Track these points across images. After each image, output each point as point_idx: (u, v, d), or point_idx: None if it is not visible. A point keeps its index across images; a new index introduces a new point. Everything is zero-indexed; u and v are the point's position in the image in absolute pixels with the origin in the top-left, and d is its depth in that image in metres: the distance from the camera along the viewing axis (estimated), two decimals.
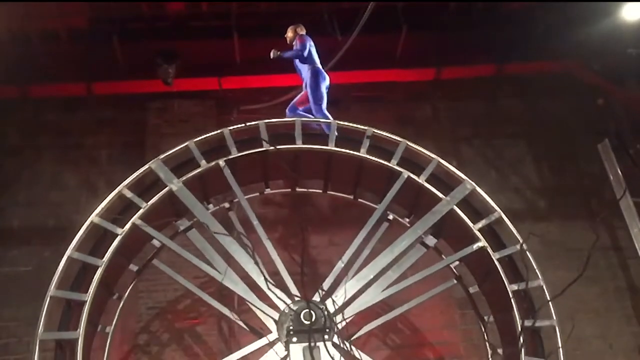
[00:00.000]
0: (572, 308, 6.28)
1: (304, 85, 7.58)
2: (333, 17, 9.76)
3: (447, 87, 11.04)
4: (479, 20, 10.58)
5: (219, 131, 6.58)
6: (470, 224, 6.22)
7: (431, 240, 6.68)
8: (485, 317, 6.81)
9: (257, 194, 7.41)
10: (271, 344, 6.00)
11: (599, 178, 10.23)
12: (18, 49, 9.87)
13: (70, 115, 10.71)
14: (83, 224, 5.95)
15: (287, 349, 5.67)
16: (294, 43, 7.64)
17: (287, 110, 7.53)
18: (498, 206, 6.38)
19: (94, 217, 6.01)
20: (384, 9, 8.94)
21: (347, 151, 6.54)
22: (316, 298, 6.01)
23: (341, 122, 6.60)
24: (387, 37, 10.48)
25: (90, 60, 10.22)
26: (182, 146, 6.42)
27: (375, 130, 6.51)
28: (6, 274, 9.34)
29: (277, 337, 5.93)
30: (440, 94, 11.17)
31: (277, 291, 6.02)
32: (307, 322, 5.59)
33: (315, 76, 7.39)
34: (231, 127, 6.63)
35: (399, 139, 6.51)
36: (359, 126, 6.61)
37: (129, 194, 6.18)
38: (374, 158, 6.49)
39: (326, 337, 5.63)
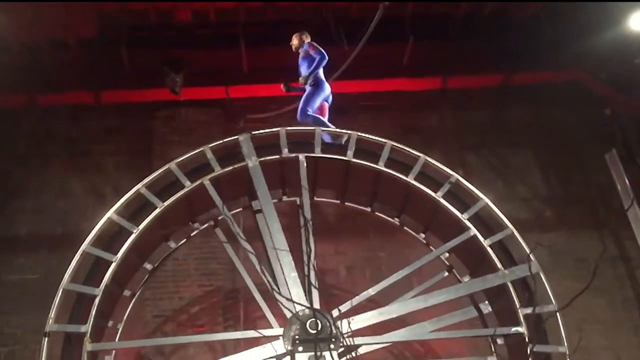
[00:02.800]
0: (579, 319, 6.24)
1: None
2: (340, 26, 9.77)
3: (454, 96, 11.04)
4: (486, 29, 10.57)
5: (234, 137, 6.56)
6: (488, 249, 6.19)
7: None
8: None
9: (276, 200, 7.38)
10: (277, 354, 5.97)
11: (606, 188, 10.20)
12: (27, 57, 9.98)
13: (78, 124, 10.78)
14: (90, 232, 5.94)
15: (292, 358, 5.65)
16: (305, 51, 7.58)
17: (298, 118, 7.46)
18: (504, 215, 6.35)
19: (111, 213, 6.02)
20: (391, 19, 8.93)
21: (366, 163, 6.48)
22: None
23: (361, 134, 6.57)
24: (394, 46, 10.50)
25: (98, 68, 10.28)
26: (197, 150, 6.42)
27: (394, 144, 6.46)
28: (13, 282, 9.39)
29: (283, 346, 5.90)
30: (446, 103, 11.16)
31: (283, 300, 5.99)
32: (313, 332, 5.57)
33: (317, 85, 7.34)
34: (254, 132, 6.59)
35: (417, 153, 6.47)
36: (379, 139, 6.57)
37: (147, 193, 6.19)
38: (392, 172, 6.45)
39: (332, 346, 5.60)
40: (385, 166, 6.43)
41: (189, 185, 6.26)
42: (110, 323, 6.47)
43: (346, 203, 7.10)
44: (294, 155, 6.45)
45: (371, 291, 6.15)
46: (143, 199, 6.20)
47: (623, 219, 9.70)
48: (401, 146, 6.49)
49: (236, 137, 6.49)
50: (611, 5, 9.55)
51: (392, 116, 10.89)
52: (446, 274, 6.91)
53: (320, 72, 7.45)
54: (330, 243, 9.35)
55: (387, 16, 8.19)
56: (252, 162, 6.33)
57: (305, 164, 6.40)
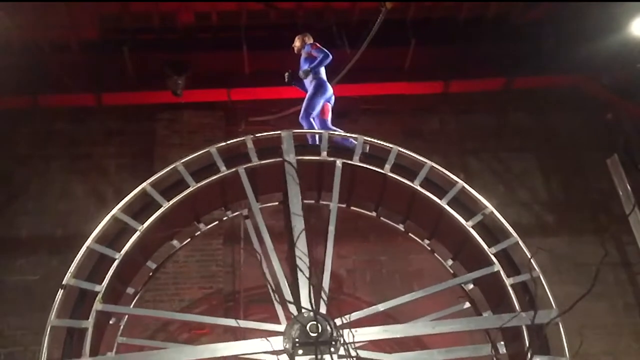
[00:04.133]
0: (580, 324, 6.20)
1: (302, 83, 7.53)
2: (342, 29, 9.79)
3: (456, 100, 11.04)
4: (488, 33, 10.58)
5: (242, 139, 6.54)
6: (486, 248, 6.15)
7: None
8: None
9: (277, 203, 7.38)
10: (277, 356, 5.96)
11: (608, 193, 10.20)
12: (29, 59, 9.99)
13: (79, 126, 10.80)
14: (91, 233, 5.93)
15: None
16: (307, 52, 7.56)
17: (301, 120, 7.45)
18: (506, 219, 6.33)
19: (116, 211, 6.01)
20: (393, 22, 8.95)
21: (373, 168, 6.45)
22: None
23: (368, 139, 6.55)
24: (396, 50, 10.51)
25: (100, 71, 10.32)
26: (204, 151, 6.41)
27: (401, 149, 6.44)
28: (14, 283, 9.39)
29: (284, 349, 5.88)
30: (448, 107, 11.17)
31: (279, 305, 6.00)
32: (313, 335, 5.55)
33: (318, 86, 7.30)
34: (257, 135, 6.55)
35: (423, 159, 6.45)
36: (386, 144, 6.54)
37: (152, 192, 6.18)
38: (398, 177, 6.41)
39: (332, 349, 5.58)
40: (390, 171, 6.41)
41: (224, 171, 6.26)
42: (112, 320, 6.47)
43: (351, 207, 7.07)
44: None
45: (380, 307, 6.10)
46: (147, 198, 6.18)
47: (624, 225, 9.69)
48: (407, 152, 6.46)
49: (278, 132, 6.49)
50: (614, 10, 9.55)
51: (394, 120, 10.91)
52: (467, 305, 6.79)
53: (323, 73, 7.43)
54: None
55: (389, 20, 8.18)
56: (290, 159, 6.32)
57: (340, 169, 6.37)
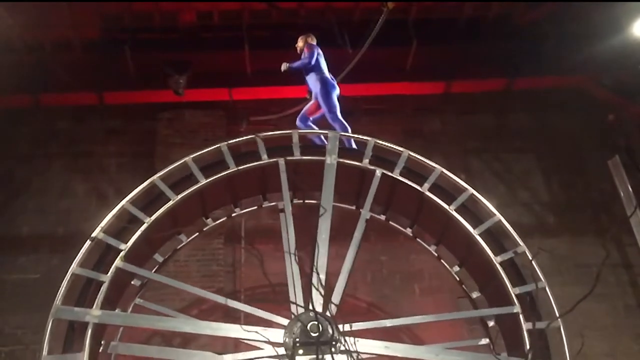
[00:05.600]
0: (581, 325, 6.20)
1: (313, 95, 7.52)
2: (343, 29, 9.78)
3: (457, 100, 11.03)
4: (490, 34, 10.58)
5: (250, 136, 6.55)
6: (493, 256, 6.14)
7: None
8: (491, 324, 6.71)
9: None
10: (278, 356, 5.96)
11: (609, 194, 10.19)
12: (31, 58, 10.01)
13: (81, 124, 10.81)
14: (92, 232, 5.93)
15: None
16: (302, 53, 7.64)
17: (297, 121, 7.47)
18: (506, 220, 6.31)
19: (125, 202, 6.01)
20: (394, 22, 8.95)
21: (383, 171, 6.39)
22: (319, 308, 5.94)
23: (379, 142, 6.54)
24: (398, 50, 10.52)
25: (101, 70, 10.31)
26: (286, 131, 6.48)
27: (411, 153, 6.41)
28: (14, 281, 9.40)
29: (284, 349, 5.88)
30: (449, 107, 11.16)
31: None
32: (314, 335, 5.55)
33: (325, 85, 7.32)
34: (300, 131, 6.67)
35: (434, 164, 6.43)
36: (395, 147, 6.52)
37: (161, 185, 6.18)
38: (408, 181, 6.39)
39: (333, 349, 5.58)
40: (400, 175, 6.39)
41: (265, 159, 6.31)
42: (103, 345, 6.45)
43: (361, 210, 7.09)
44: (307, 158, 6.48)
45: (387, 323, 6.10)
46: (153, 193, 6.21)
47: (625, 226, 9.67)
48: (418, 156, 6.45)
49: (326, 131, 6.61)
50: (615, 11, 9.54)
51: (395, 120, 10.91)
52: (484, 341, 6.63)
53: (325, 70, 7.46)
54: (332, 246, 9.23)
55: (391, 20, 8.19)
56: (331, 159, 6.33)
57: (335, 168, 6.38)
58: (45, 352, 5.40)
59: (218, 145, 6.38)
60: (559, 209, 10.52)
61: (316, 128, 7.29)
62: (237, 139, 6.58)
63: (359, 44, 8.30)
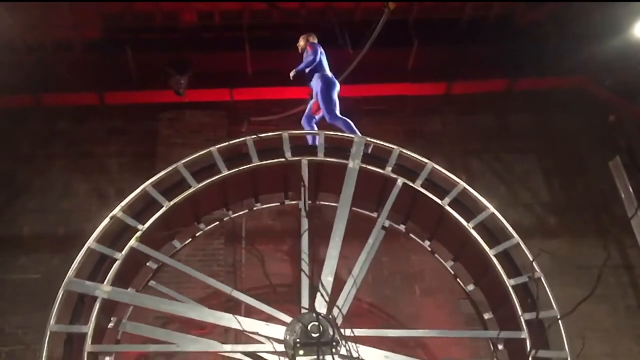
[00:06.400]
0: (581, 326, 6.21)
1: (313, 94, 7.53)
2: (345, 29, 9.78)
3: (458, 101, 11.02)
4: (491, 35, 10.58)
5: (315, 131, 6.72)
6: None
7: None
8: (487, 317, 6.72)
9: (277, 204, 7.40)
10: (278, 353, 5.97)
11: (610, 195, 10.18)
12: (31, 57, 10.01)
13: (82, 125, 10.81)
14: (93, 232, 5.93)
15: None
16: (305, 52, 7.65)
17: (303, 120, 7.45)
18: (507, 221, 6.31)
19: (117, 211, 5.99)
20: (395, 23, 8.95)
21: (375, 169, 6.41)
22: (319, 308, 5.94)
23: (370, 139, 6.54)
24: (399, 51, 10.52)
25: (102, 70, 10.32)
26: (203, 152, 6.44)
27: (435, 166, 6.37)
28: (15, 281, 9.39)
29: (284, 349, 5.88)
30: (450, 108, 11.15)
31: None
32: (315, 335, 5.55)
33: (326, 83, 7.34)
34: (327, 132, 6.66)
35: (425, 160, 6.44)
36: (388, 144, 6.52)
37: (183, 170, 6.23)
38: (399, 177, 6.37)
39: (334, 350, 5.58)
40: (392, 172, 6.40)
41: (289, 157, 6.35)
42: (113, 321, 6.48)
43: (353, 208, 7.09)
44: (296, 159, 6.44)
45: (390, 332, 6.12)
46: (147, 198, 6.19)
47: (626, 227, 9.67)
48: (408, 152, 6.45)
49: (351, 137, 6.57)
50: (617, 11, 9.54)
51: (396, 121, 10.90)
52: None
53: (327, 69, 7.46)
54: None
55: (392, 20, 8.19)
56: (354, 164, 6.33)
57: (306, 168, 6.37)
58: (53, 321, 5.49)
59: (319, 133, 6.54)
60: (560, 209, 10.50)
61: (316, 128, 7.28)
62: (298, 131, 6.75)
63: (360, 44, 8.31)
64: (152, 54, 10.25)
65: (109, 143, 10.71)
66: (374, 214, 6.97)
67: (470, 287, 6.76)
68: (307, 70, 7.49)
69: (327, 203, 7.01)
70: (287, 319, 5.76)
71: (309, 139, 7.08)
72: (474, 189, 6.34)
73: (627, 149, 10.25)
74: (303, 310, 5.77)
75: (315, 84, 7.42)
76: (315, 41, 7.72)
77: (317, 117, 7.44)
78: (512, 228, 6.18)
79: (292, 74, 7.37)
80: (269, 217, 9.77)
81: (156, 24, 10.29)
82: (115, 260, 5.81)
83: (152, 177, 6.19)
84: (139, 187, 6.12)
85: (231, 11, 10.28)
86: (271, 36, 10.43)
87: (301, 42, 7.83)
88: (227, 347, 6.08)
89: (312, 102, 7.54)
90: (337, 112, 7.22)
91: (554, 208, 10.55)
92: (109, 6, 9.91)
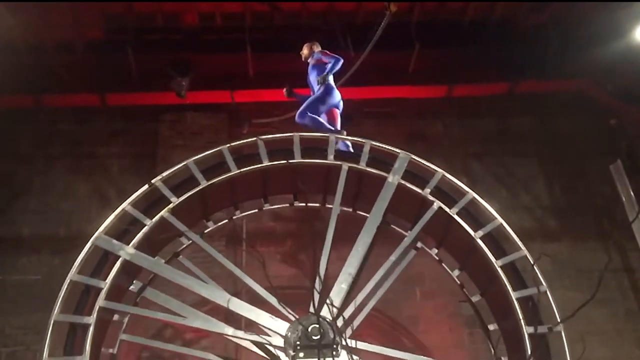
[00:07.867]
0: (582, 330, 6.18)
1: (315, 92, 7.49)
2: (346, 32, 9.78)
3: (459, 104, 11.03)
4: (493, 38, 10.59)
5: (361, 139, 6.64)
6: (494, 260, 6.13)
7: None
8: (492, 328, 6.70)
9: (287, 204, 7.42)
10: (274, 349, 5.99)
11: (611, 199, 10.17)
12: (33, 58, 10.02)
13: (83, 126, 10.80)
14: (93, 233, 5.93)
15: None
16: (316, 59, 7.50)
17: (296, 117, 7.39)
18: (508, 224, 6.29)
19: (126, 205, 6.05)
20: (397, 26, 8.94)
21: (380, 172, 6.42)
22: (325, 313, 5.94)
23: (375, 143, 6.52)
24: (400, 54, 10.53)
25: (104, 71, 10.33)
26: (214, 150, 6.47)
27: (475, 196, 6.32)
28: (15, 282, 9.38)
29: (285, 352, 5.88)
30: (452, 111, 11.15)
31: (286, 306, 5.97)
32: (315, 338, 5.54)
33: (325, 92, 7.27)
34: (374, 142, 6.60)
35: (434, 167, 6.42)
36: (393, 149, 6.51)
37: (194, 168, 6.30)
38: (408, 184, 6.38)
39: (334, 353, 5.58)
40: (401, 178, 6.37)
41: (331, 159, 6.45)
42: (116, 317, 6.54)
43: (357, 212, 7.07)
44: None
45: (390, 352, 6.13)
46: (154, 195, 6.26)
47: (627, 231, 9.65)
48: (418, 159, 6.43)
49: (398, 151, 6.53)
50: (618, 15, 9.56)
51: (397, 123, 10.89)
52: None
53: (331, 79, 7.42)
54: (333, 249, 9.30)
55: (393, 23, 8.18)
56: (393, 179, 6.33)
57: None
58: (57, 310, 5.55)
59: (219, 148, 6.44)
60: (561, 213, 10.49)
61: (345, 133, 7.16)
62: (238, 142, 6.61)
63: (362, 46, 8.30)
64: (154, 56, 10.25)
65: (110, 144, 10.70)
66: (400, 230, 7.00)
67: (476, 298, 6.72)
68: (334, 69, 7.38)
69: (362, 213, 6.94)
70: (291, 316, 5.76)
71: (341, 145, 6.99)
72: (474, 192, 6.33)
73: (628, 153, 10.25)
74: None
75: (314, 82, 7.38)
76: (319, 49, 7.65)
77: (336, 125, 7.37)
78: (513, 231, 6.18)
79: (320, 80, 7.26)
80: (268, 219, 9.75)
81: (158, 25, 10.31)
82: (144, 225, 5.99)
83: (153, 177, 6.21)
84: (140, 187, 6.12)
85: (233, 13, 10.29)
86: (272, 38, 10.44)
87: (305, 51, 7.76)
88: (230, 330, 6.08)
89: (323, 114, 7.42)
90: (306, 114, 7.12)
91: (554, 211, 10.53)
92: (110, 7, 9.92)
